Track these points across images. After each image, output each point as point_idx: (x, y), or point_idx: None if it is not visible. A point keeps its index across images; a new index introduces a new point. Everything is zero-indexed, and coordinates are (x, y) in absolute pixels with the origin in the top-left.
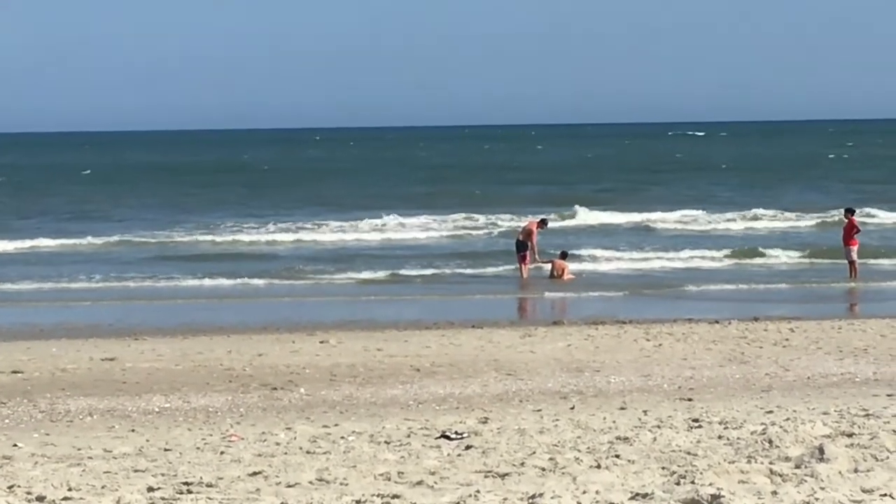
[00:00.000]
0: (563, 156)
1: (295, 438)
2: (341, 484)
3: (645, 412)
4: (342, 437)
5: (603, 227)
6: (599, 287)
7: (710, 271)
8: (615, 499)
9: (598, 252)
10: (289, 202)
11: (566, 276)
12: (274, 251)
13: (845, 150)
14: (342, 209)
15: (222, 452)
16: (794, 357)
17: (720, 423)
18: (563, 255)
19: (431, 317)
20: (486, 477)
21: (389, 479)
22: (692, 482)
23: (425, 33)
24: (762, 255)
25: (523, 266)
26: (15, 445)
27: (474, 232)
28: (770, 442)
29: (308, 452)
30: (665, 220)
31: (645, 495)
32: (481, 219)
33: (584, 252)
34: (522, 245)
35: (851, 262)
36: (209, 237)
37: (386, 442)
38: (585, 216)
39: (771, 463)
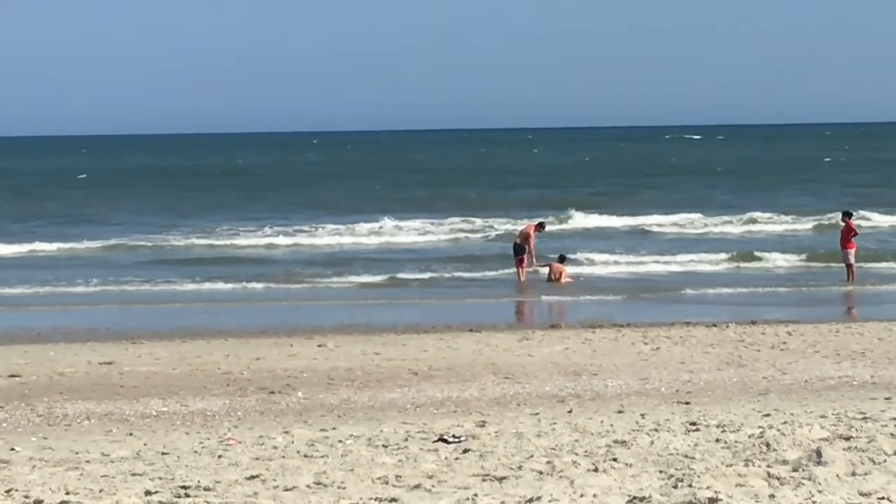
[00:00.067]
0: (559, 159)
1: (292, 442)
2: (339, 487)
3: (642, 415)
4: (340, 441)
5: (600, 230)
6: (597, 291)
7: (708, 275)
8: (613, 502)
9: (595, 256)
10: (286, 206)
11: (564, 280)
12: (271, 255)
13: (841, 153)
14: (339, 213)
15: (220, 456)
16: (792, 360)
17: (718, 427)
18: (562, 259)
19: (429, 320)
20: (483, 480)
21: (387, 483)
22: (690, 485)
23: (423, 37)
24: (759, 258)
25: (521, 269)
26: (12, 449)
27: (471, 235)
28: (767, 445)
29: (305, 456)
30: (662, 223)
31: (642, 499)
32: (478, 222)
33: (581, 256)
34: (520, 248)
35: (849, 266)
36: (206, 241)
37: (384, 445)
38: (582, 220)
39: (768, 466)
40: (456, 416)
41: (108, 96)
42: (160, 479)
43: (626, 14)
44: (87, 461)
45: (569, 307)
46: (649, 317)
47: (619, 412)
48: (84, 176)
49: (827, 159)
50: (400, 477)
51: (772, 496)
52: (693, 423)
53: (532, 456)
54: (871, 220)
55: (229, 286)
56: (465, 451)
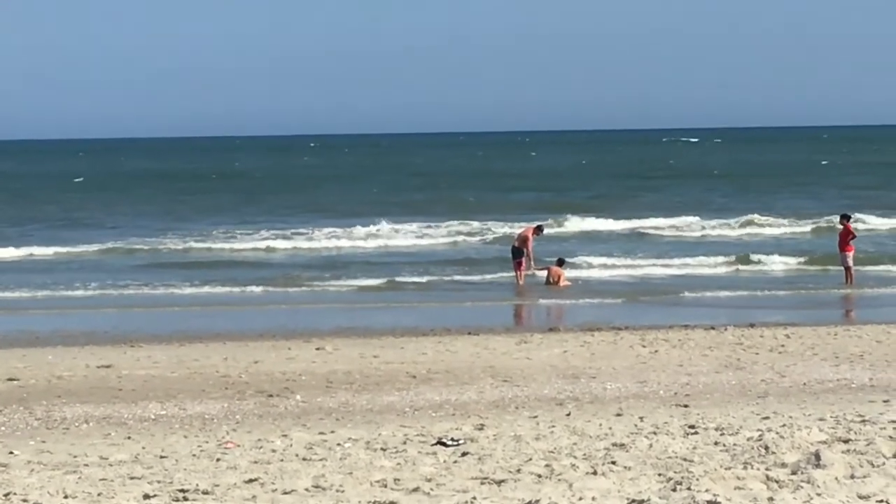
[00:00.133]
0: (557, 162)
1: (291, 445)
2: (337, 491)
3: (641, 418)
4: (338, 444)
5: (597, 233)
6: (595, 294)
7: (705, 277)
8: None
9: (593, 259)
10: (284, 209)
11: (562, 283)
12: (269, 258)
13: (839, 156)
14: (337, 216)
15: (218, 459)
16: (790, 363)
17: (716, 430)
18: (560, 262)
19: (427, 323)
20: (482, 484)
21: (386, 486)
22: (688, 488)
23: (422, 40)
24: (757, 261)
25: (519, 273)
26: (11, 453)
27: (469, 239)
28: (766, 448)
29: (304, 459)
30: (660, 226)
31: (641, 502)
32: (476, 225)
33: (579, 259)
34: (518, 252)
35: (847, 268)
36: (204, 244)
37: (382, 449)
38: (579, 223)
39: (767, 469)
40: (454, 419)
41: (105, 100)
42: (158, 482)
43: (625, 17)
44: (86, 465)
45: (567, 310)
46: (648, 320)
47: (618, 415)
48: (81, 179)
49: (824, 162)
50: (398, 480)
51: (770, 499)
52: (692, 426)
53: (531, 459)
54: (868, 223)
55: (227, 289)
56: (464, 454)
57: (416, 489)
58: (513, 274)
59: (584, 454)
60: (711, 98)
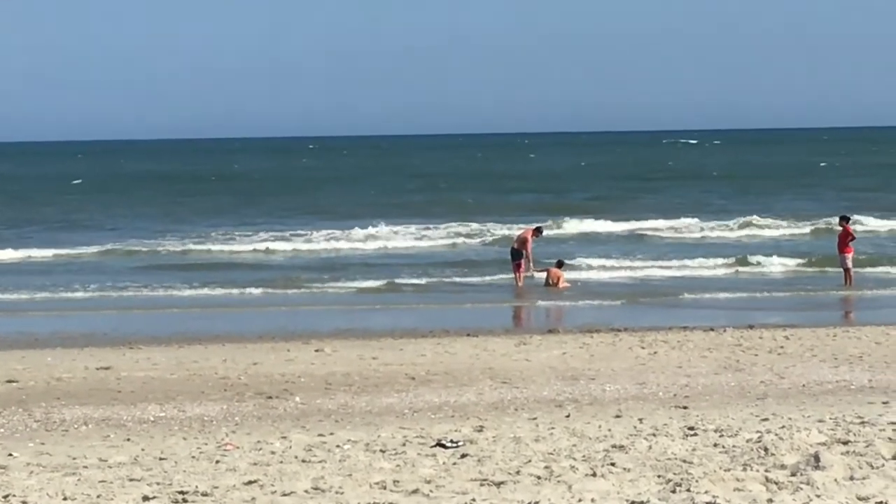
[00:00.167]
0: (556, 164)
1: (290, 447)
2: (337, 493)
3: (640, 420)
4: (337, 446)
5: (596, 235)
6: (594, 295)
7: (705, 279)
8: None
9: (592, 260)
10: (283, 211)
11: (561, 285)
12: (268, 260)
13: (838, 157)
14: (336, 217)
15: (217, 461)
16: (790, 365)
17: (715, 431)
18: (560, 264)
19: (426, 325)
20: (481, 485)
21: (385, 488)
22: (688, 490)
23: (420, 43)
24: (756, 262)
25: (518, 274)
26: (10, 455)
27: (468, 240)
28: (765, 450)
29: (303, 461)
30: (659, 227)
31: (640, 503)
32: (475, 227)
33: (578, 261)
34: (517, 253)
35: (846, 270)
36: (202, 246)
37: (381, 450)
38: (579, 225)
39: (766, 471)
40: (454, 420)
41: (103, 101)
42: (158, 484)
43: (625, 19)
44: (85, 466)
45: (566, 312)
46: (647, 321)
47: (617, 417)
48: (79, 181)
49: (822, 164)
50: (398, 482)
51: (770, 501)
52: (691, 428)
53: (530, 461)
54: (866, 224)
55: (226, 291)
56: (463, 455)
57: (415, 491)
58: (512, 276)
59: (584, 456)
60: (711, 100)
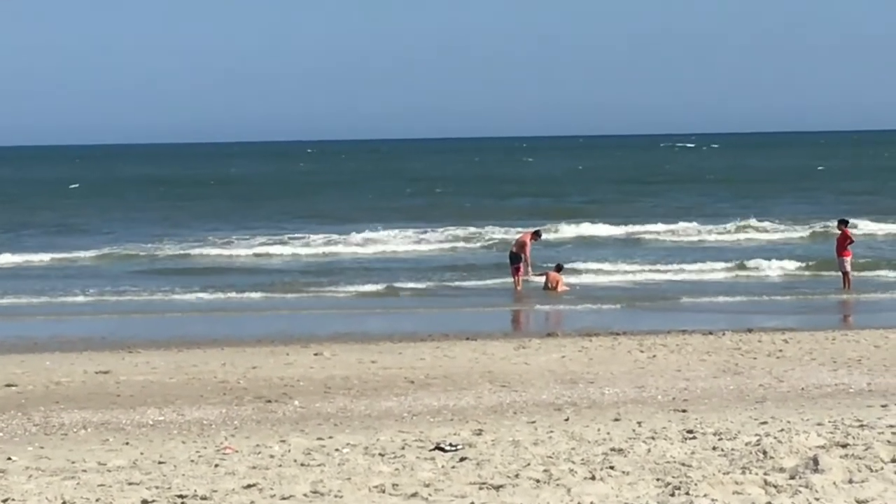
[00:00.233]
0: (554, 168)
1: (289, 451)
2: (336, 496)
3: (639, 423)
4: (337, 450)
5: (595, 239)
6: (593, 299)
7: (703, 283)
8: None
9: (591, 264)
10: (281, 215)
11: (560, 288)
12: (266, 264)
13: (836, 161)
14: (334, 221)
15: (217, 465)
16: (788, 368)
17: (714, 435)
18: (559, 268)
19: (425, 329)
20: (480, 489)
21: (384, 492)
22: (687, 493)
23: (419, 47)
24: (755, 266)
25: (517, 278)
26: (9, 459)
27: (466, 244)
28: (764, 453)
29: (302, 465)
30: (657, 231)
31: None
32: (474, 231)
33: (576, 265)
34: (516, 257)
35: (845, 273)
36: (201, 250)
37: (380, 454)
38: (577, 229)
39: (765, 474)
40: (453, 424)
41: (101, 105)
42: (157, 488)
43: (623, 22)
44: (84, 470)
45: (565, 315)
46: (646, 325)
47: (616, 420)
48: (76, 185)
49: (820, 168)
50: (397, 485)
51: None
52: (690, 431)
53: (529, 464)
54: (863, 228)
55: (225, 295)
56: (462, 459)
57: (414, 494)
58: (511, 279)
59: (583, 459)
60: (709, 104)
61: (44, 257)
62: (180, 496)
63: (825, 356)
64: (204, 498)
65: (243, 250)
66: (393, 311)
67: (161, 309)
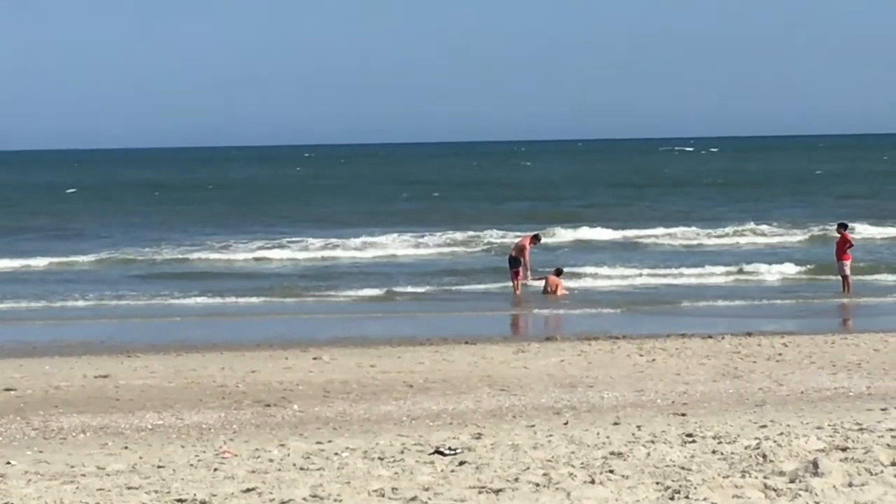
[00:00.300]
0: (552, 172)
1: (288, 455)
2: (335, 500)
3: (638, 427)
4: (336, 454)
5: (593, 243)
6: (592, 303)
7: (702, 287)
8: None
9: (590, 268)
10: (279, 219)
11: (560, 293)
12: (264, 268)
13: (834, 165)
14: (332, 226)
15: (216, 469)
16: (788, 372)
17: (714, 438)
18: (559, 272)
19: (424, 333)
20: (479, 493)
21: (383, 496)
22: (686, 497)
23: (418, 51)
24: (753, 270)
25: (516, 282)
26: (8, 463)
27: (465, 248)
28: (764, 456)
29: (302, 469)
30: (656, 235)
31: None
32: (472, 235)
33: (575, 269)
34: (515, 261)
35: (844, 277)
36: (199, 254)
37: (380, 458)
38: (575, 232)
39: (765, 477)
40: (452, 428)
41: (100, 111)
42: (156, 492)
43: (622, 26)
44: (83, 475)
45: (564, 319)
46: (645, 329)
47: (616, 424)
48: (73, 190)
49: (818, 172)
50: (396, 489)
51: None
52: (689, 435)
53: (528, 468)
54: (862, 232)
55: (223, 299)
56: (462, 463)
57: (413, 498)
58: (510, 283)
59: (582, 463)
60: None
61: (42, 262)
62: (179, 500)
63: (825, 360)
64: (203, 502)
65: (242, 255)
66: (392, 316)
67: (160, 313)
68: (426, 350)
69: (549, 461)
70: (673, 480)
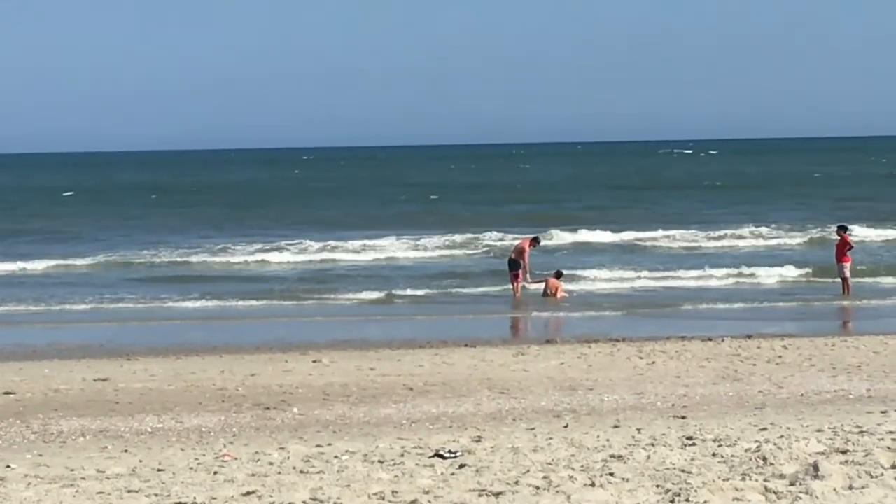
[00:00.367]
0: (551, 174)
1: (288, 458)
2: (335, 503)
3: (638, 430)
4: (336, 457)
5: (592, 246)
6: (592, 306)
7: (702, 289)
8: None
9: (589, 271)
10: (278, 222)
11: (559, 295)
12: (264, 271)
13: (832, 167)
14: (331, 228)
15: (215, 472)
16: (788, 374)
17: (714, 441)
18: (558, 275)
19: (424, 336)
20: (480, 496)
21: (383, 499)
22: (686, 500)
23: (416, 54)
24: (753, 272)
25: (516, 285)
26: (8, 467)
27: (464, 251)
28: (764, 459)
29: (301, 472)
30: (655, 238)
31: None
32: (471, 238)
33: (574, 271)
34: (515, 264)
35: (844, 279)
36: (198, 257)
37: (379, 461)
38: (574, 235)
39: (765, 480)
40: (452, 431)
41: (96, 113)
42: (156, 495)
43: (622, 28)
44: (83, 478)
45: (564, 322)
46: (644, 331)
47: (615, 427)
48: (71, 193)
49: (817, 174)
50: (396, 493)
51: None
52: (689, 438)
53: (528, 471)
54: (860, 234)
55: (223, 302)
56: (462, 466)
57: (413, 501)
58: (509, 286)
59: (582, 466)
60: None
61: (40, 265)
62: (179, 503)
63: (824, 362)
64: None
65: (240, 257)
66: (391, 318)
67: (159, 316)
68: (426, 353)
69: (549, 464)
70: (673, 483)
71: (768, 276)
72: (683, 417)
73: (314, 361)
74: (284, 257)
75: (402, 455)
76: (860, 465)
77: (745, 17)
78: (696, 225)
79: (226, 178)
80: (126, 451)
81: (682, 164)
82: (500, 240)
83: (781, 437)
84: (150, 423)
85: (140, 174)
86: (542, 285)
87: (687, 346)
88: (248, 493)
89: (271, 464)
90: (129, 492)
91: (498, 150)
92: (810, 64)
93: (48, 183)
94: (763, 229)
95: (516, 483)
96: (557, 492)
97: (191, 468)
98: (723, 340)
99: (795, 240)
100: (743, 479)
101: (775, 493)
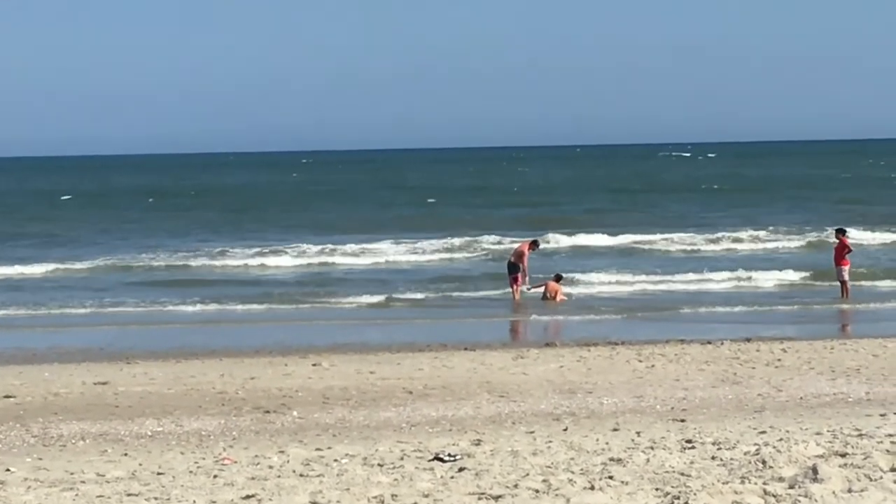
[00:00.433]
0: (550, 177)
1: (288, 461)
2: None
3: (638, 433)
4: (335, 460)
5: (591, 249)
6: (591, 309)
7: (701, 292)
8: None
9: (588, 274)
10: (277, 225)
11: (559, 298)
12: (262, 274)
13: (832, 170)
14: (331, 232)
15: (215, 476)
16: (787, 377)
17: (713, 444)
18: (558, 278)
19: (424, 339)
20: (479, 499)
21: (383, 502)
22: (686, 503)
23: (415, 58)
24: (752, 275)
25: (515, 288)
26: (8, 470)
27: (463, 254)
28: (763, 462)
29: (301, 475)
30: (654, 241)
31: None
32: (470, 241)
33: (574, 275)
34: (514, 267)
35: (843, 283)
36: (196, 261)
37: (379, 464)
38: (573, 238)
39: (765, 483)
40: (451, 434)
41: (95, 116)
42: (156, 499)
43: (621, 29)
44: (83, 482)
45: (563, 325)
46: (644, 334)
47: (615, 430)
48: (68, 197)
49: (816, 177)
50: (396, 496)
51: None
52: (689, 441)
53: (528, 474)
54: (859, 237)
55: (222, 306)
56: (461, 469)
57: None
58: (508, 289)
59: (582, 469)
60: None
61: (39, 269)
62: None
63: (824, 365)
64: None
65: (239, 261)
66: (391, 322)
67: (158, 320)
68: (425, 356)
69: (549, 467)
70: (672, 486)
71: (767, 280)
72: (683, 421)
73: (314, 365)
74: (283, 261)
75: (402, 458)
76: (859, 468)
77: (744, 20)
78: (695, 228)
79: (224, 182)
80: (126, 454)
81: (681, 167)
82: (499, 243)
83: (780, 440)
84: (149, 427)
85: (138, 177)
86: (542, 289)
87: (686, 350)
88: (248, 497)
89: (271, 467)
90: (129, 495)
91: (496, 153)
92: (810, 66)
93: (46, 186)
94: (762, 232)
95: (516, 486)
96: (557, 495)
97: (190, 472)
98: (722, 344)
99: (794, 243)
100: (742, 483)
101: (774, 496)
